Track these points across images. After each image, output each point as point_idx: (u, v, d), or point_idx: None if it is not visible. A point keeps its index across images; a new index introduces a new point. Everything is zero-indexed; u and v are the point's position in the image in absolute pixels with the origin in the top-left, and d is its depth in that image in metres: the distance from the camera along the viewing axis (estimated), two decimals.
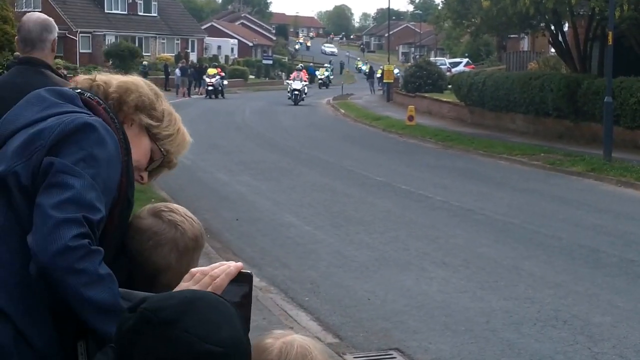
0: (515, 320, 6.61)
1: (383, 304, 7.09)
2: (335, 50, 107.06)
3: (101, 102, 2.02)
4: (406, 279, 7.88)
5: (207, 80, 42.68)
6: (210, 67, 45.50)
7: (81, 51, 49.60)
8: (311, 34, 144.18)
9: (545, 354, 5.86)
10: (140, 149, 2.09)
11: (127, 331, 1.39)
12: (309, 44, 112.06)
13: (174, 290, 1.67)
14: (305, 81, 40.71)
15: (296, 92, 39.49)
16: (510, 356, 5.83)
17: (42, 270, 1.72)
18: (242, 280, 1.71)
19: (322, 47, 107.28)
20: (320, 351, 1.60)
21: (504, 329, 6.41)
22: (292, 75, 42.17)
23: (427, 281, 7.81)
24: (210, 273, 1.70)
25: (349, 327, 6.48)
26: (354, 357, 5.80)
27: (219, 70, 44.26)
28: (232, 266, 1.71)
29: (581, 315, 6.77)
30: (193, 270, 1.74)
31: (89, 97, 2.01)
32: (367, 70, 60.02)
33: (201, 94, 43.52)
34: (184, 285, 1.72)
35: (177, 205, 2.09)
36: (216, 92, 42.33)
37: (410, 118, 26.37)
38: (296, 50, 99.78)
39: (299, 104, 38.40)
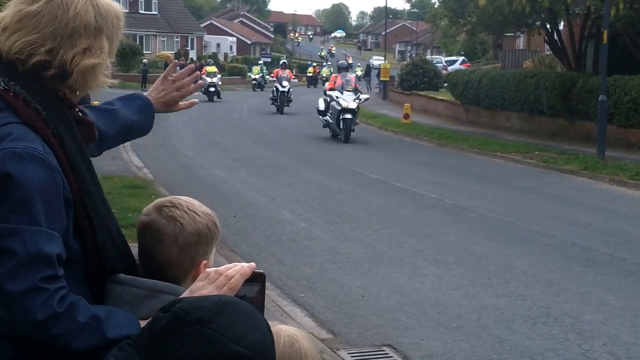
0: (506, 318, 6.67)
1: (376, 300, 7.15)
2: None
3: (18, 91, 1.84)
4: (399, 276, 7.93)
5: (208, 79, 35.68)
6: (207, 64, 39.03)
7: None
8: (338, 34, 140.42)
9: (536, 351, 5.89)
10: None
11: (160, 330, 1.41)
12: (333, 49, 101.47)
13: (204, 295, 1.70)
14: (292, 78, 32.23)
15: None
16: (501, 353, 5.87)
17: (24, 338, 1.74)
18: (255, 279, 1.77)
19: (371, 61, 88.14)
20: (306, 339, 1.65)
21: (496, 326, 6.46)
22: (274, 73, 32.69)
23: (420, 278, 7.87)
24: (226, 273, 1.74)
25: (343, 323, 6.54)
26: (348, 353, 5.85)
27: (317, 69, 39.13)
28: (246, 266, 1.76)
29: (572, 312, 6.82)
30: (208, 270, 1.77)
31: (3, 87, 1.84)
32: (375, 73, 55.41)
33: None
34: (199, 284, 1.75)
35: (184, 199, 2.06)
36: (217, 93, 36.49)
37: (406, 116, 26.47)
38: (322, 57, 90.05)
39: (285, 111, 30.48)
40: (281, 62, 35.64)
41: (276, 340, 1.57)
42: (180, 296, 1.71)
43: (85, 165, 1.89)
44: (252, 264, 1.78)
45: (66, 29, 1.84)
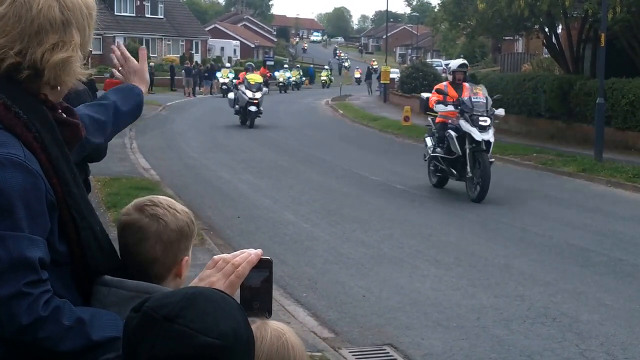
0: (505, 317, 6.73)
1: (377, 300, 7.22)
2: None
3: None
4: (400, 276, 8.02)
5: (248, 94, 24.07)
6: (247, 69, 25.83)
7: (93, 53, 49.97)
8: (317, 38, 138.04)
9: (534, 350, 5.95)
10: None
11: (132, 330, 1.42)
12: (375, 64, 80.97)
13: (184, 287, 1.67)
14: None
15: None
16: (499, 352, 5.93)
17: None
18: (262, 266, 1.77)
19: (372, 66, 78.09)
20: (293, 333, 1.64)
21: (494, 325, 6.53)
22: (435, 90, 13.33)
23: (420, 278, 7.95)
24: (233, 261, 1.76)
25: (344, 322, 6.62)
26: (349, 352, 5.92)
27: (268, 73, 27.79)
28: (252, 254, 1.78)
29: (570, 312, 6.89)
30: (216, 257, 1.79)
31: None
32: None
33: (205, 94, 42.81)
34: (207, 272, 1.77)
35: (162, 198, 2.09)
36: (259, 113, 24.53)
37: (406, 118, 26.57)
38: (346, 67, 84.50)
39: None
40: (458, 64, 14.26)
41: (263, 335, 1.57)
42: (191, 284, 1.73)
43: (67, 167, 1.88)
44: (259, 250, 1.79)
45: (32, 28, 1.81)
